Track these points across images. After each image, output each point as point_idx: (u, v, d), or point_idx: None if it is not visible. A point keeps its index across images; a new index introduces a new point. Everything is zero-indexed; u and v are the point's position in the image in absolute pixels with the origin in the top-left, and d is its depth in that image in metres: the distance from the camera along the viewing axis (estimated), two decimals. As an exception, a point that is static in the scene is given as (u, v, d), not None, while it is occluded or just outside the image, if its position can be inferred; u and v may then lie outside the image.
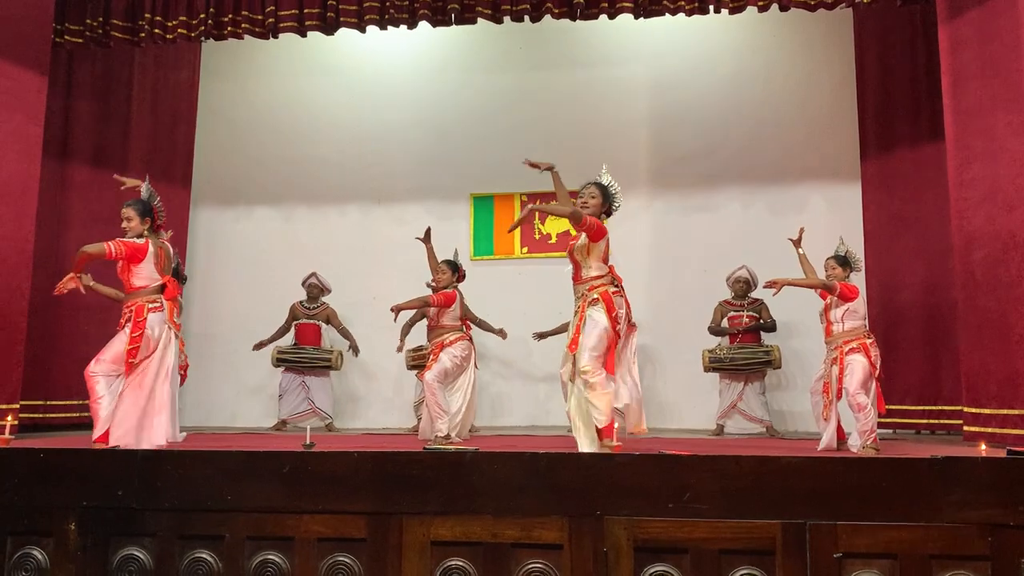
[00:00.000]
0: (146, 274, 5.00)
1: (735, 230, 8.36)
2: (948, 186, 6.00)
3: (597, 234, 4.79)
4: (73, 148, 7.68)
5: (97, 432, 4.84)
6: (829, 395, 5.57)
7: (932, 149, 7.02)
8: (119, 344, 4.91)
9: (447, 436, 5.97)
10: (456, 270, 6.52)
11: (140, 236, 5.04)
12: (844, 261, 5.79)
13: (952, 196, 5.92)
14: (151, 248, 5.03)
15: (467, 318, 6.79)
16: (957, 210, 5.85)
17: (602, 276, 4.83)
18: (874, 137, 7.63)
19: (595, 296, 4.75)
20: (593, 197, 4.93)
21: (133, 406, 4.87)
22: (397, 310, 6.31)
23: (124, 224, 5.08)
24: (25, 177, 6.39)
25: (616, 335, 4.72)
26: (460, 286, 6.54)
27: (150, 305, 4.96)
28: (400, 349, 7.46)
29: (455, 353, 6.23)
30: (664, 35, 8.69)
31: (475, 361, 6.50)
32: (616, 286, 4.84)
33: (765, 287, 5.81)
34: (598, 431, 4.64)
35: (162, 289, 5.05)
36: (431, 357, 6.26)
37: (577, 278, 4.90)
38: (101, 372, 4.87)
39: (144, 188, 5.28)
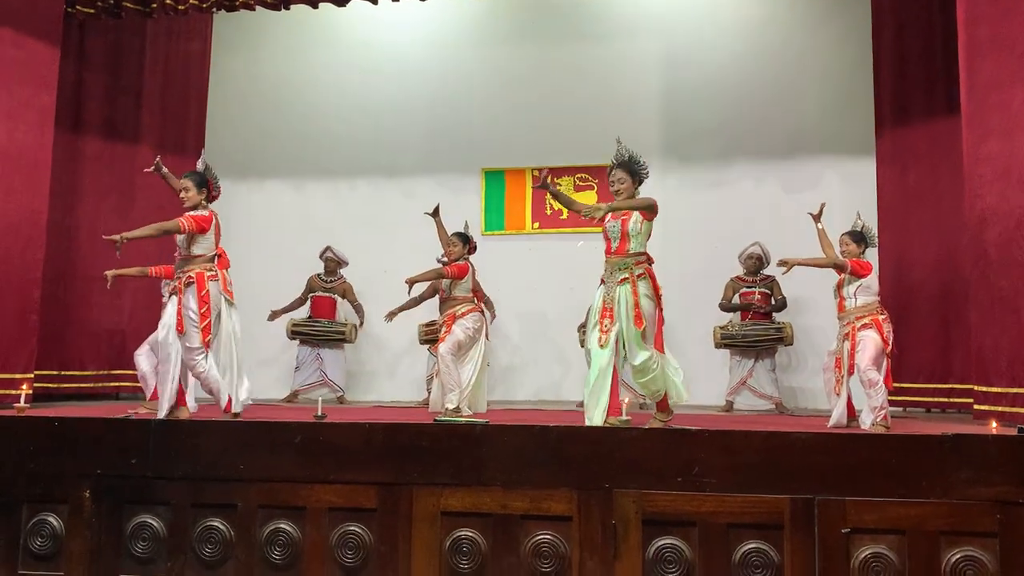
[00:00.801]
0: (207, 244, 5.10)
1: (748, 206, 8.31)
2: (963, 163, 5.95)
3: (654, 213, 5.02)
4: (85, 120, 7.68)
5: (223, 402, 4.95)
6: (841, 371, 5.57)
7: (948, 125, 6.95)
8: (172, 312, 4.97)
9: (457, 408, 6.00)
10: (467, 242, 6.52)
11: (196, 207, 5.12)
12: (860, 237, 5.76)
13: (967, 172, 5.87)
14: (215, 219, 5.15)
15: (478, 291, 6.79)
16: (971, 187, 5.80)
17: (645, 253, 5.02)
18: (890, 113, 7.55)
19: (641, 271, 4.93)
20: (622, 181, 5.07)
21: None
22: (411, 282, 6.32)
23: (183, 195, 5.16)
24: (38, 148, 6.41)
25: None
26: (472, 259, 6.54)
27: (208, 273, 5.03)
28: (389, 319, 7.17)
29: (467, 325, 6.25)
30: (678, 9, 8.60)
31: (487, 333, 6.51)
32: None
33: (777, 266, 5.80)
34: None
35: (216, 259, 5.14)
36: (444, 330, 6.27)
37: (621, 250, 4.98)
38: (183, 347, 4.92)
39: (200, 161, 5.41)
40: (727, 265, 7.78)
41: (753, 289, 7.53)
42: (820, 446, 3.33)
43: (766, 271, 7.57)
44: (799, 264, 5.63)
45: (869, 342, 5.36)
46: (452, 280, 6.33)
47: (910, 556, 3.21)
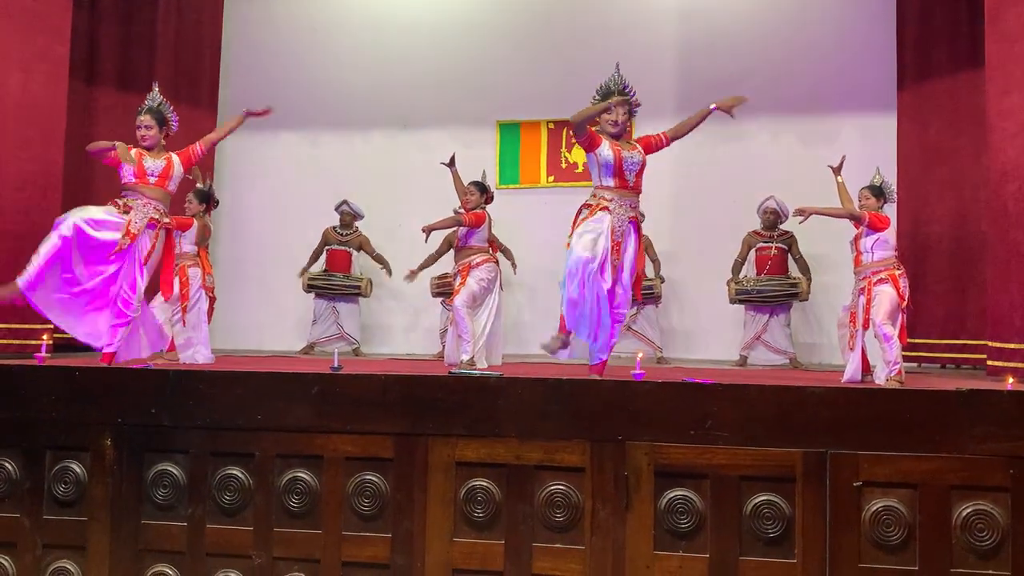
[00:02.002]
0: None
1: (764, 160, 8.23)
2: (984, 117, 5.86)
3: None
4: (98, 71, 7.66)
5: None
6: (856, 326, 5.56)
7: (970, 78, 6.84)
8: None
9: (472, 360, 6.04)
10: (484, 191, 6.50)
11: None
12: (879, 191, 5.71)
13: (989, 126, 5.78)
14: None
15: (494, 241, 6.79)
16: (993, 140, 5.72)
17: None
18: (912, 65, 7.43)
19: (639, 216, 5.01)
20: (624, 116, 5.07)
21: None
22: (428, 230, 6.34)
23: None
24: (53, 99, 6.41)
25: None
26: (488, 209, 6.53)
27: None
28: (411, 278, 7.17)
29: (481, 276, 6.27)
30: (697, -42, 8.43)
31: (500, 283, 6.53)
32: None
33: (794, 215, 5.76)
34: None
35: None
36: (458, 280, 6.28)
37: (637, 187, 4.95)
38: None
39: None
40: (743, 220, 7.73)
41: (770, 244, 7.49)
42: (834, 401, 3.33)
43: (784, 226, 7.52)
44: (816, 212, 5.60)
45: (885, 297, 5.34)
46: (468, 229, 6.33)
47: (921, 510, 3.23)
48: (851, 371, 5.49)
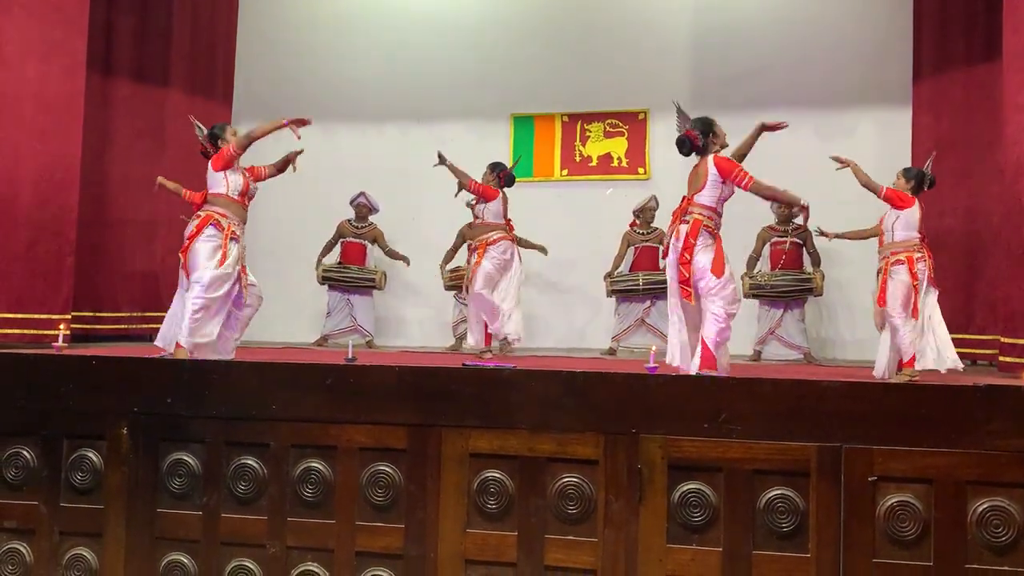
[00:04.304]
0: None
1: (781, 154, 8.16)
2: (998, 110, 5.81)
3: None
4: (115, 63, 7.69)
5: None
6: (881, 305, 5.48)
7: (985, 70, 6.78)
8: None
9: (506, 339, 6.13)
10: (493, 170, 6.56)
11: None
12: (912, 174, 5.60)
13: (1005, 119, 5.73)
14: None
15: (510, 221, 6.80)
16: (1009, 134, 5.66)
17: None
18: (929, 58, 7.37)
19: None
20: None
21: None
22: (442, 159, 6.48)
23: None
24: (70, 91, 6.44)
25: None
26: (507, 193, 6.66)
27: None
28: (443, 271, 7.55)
29: (495, 255, 6.33)
30: (713, -50, 8.38)
31: (519, 257, 6.59)
32: None
33: (817, 235, 5.77)
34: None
35: None
36: (475, 259, 6.33)
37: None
38: None
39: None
40: (757, 215, 7.69)
41: (784, 239, 7.45)
42: (849, 395, 3.32)
43: (798, 220, 7.48)
44: (840, 237, 5.67)
45: (898, 284, 5.29)
46: (483, 204, 6.46)
47: (936, 505, 3.21)
48: (885, 366, 5.40)
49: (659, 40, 8.49)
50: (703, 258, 4.59)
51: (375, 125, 9.06)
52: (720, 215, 4.79)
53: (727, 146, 4.99)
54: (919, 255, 5.37)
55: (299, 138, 5.29)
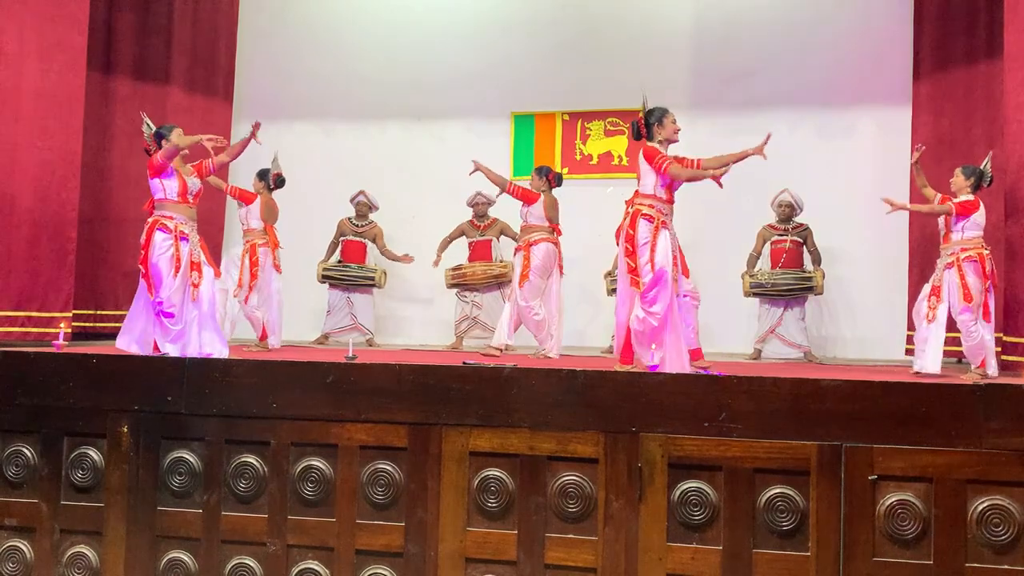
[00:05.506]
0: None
1: (781, 153, 8.16)
2: (998, 109, 5.80)
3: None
4: (115, 61, 7.67)
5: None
6: (939, 298, 5.49)
7: (986, 69, 6.77)
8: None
9: (544, 352, 6.35)
10: (542, 174, 6.77)
11: None
12: (972, 172, 5.64)
13: (1006, 118, 5.72)
14: None
15: (554, 222, 6.82)
16: (1011, 132, 5.66)
17: None
18: (928, 56, 7.35)
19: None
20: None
21: None
22: (477, 166, 6.58)
23: None
24: (71, 89, 6.43)
25: None
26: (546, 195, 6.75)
27: None
28: (436, 263, 7.54)
29: (537, 257, 6.54)
30: (714, -52, 8.37)
31: (560, 264, 6.66)
32: None
33: (885, 202, 5.74)
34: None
35: None
36: (520, 256, 6.54)
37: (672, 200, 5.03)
38: None
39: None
40: (757, 213, 7.69)
41: (785, 238, 7.44)
42: (849, 394, 3.32)
43: (799, 219, 7.48)
44: (905, 208, 5.73)
45: (968, 282, 5.31)
46: (526, 207, 6.61)
47: (936, 504, 3.22)
48: (928, 363, 5.41)
49: (660, 39, 8.48)
50: (643, 254, 4.75)
51: (376, 123, 9.05)
52: (666, 202, 4.93)
53: (676, 141, 5.10)
54: (987, 252, 5.44)
55: (260, 143, 5.64)
